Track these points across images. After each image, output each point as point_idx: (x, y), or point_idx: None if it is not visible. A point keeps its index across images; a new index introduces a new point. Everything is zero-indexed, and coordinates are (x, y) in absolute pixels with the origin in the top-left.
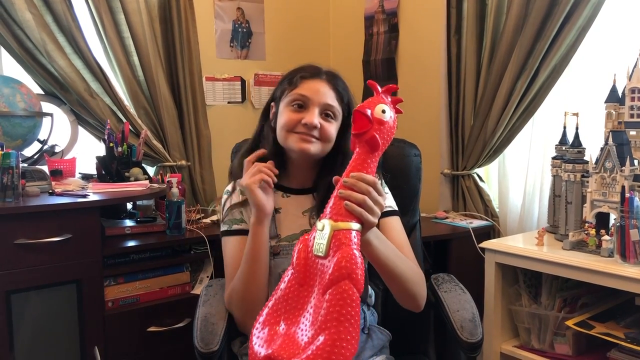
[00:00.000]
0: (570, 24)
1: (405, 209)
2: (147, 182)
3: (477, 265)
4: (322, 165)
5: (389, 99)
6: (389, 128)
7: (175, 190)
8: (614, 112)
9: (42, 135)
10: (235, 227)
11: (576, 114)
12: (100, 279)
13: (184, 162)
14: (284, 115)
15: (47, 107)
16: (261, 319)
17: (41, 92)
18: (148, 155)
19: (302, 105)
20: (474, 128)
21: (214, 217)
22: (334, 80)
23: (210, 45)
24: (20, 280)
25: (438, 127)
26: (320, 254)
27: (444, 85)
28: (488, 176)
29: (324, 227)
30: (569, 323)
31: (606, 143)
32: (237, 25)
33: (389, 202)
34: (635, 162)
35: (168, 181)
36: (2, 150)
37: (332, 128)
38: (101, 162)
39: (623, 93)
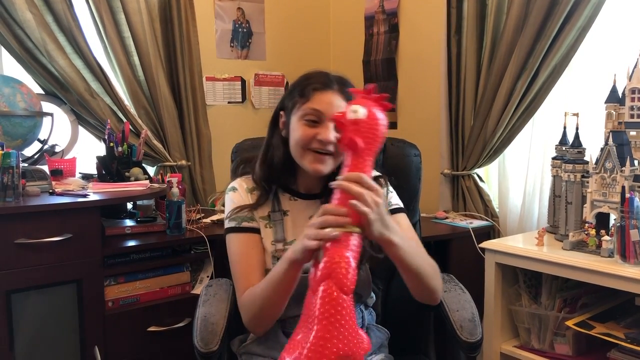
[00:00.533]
0: (570, 24)
1: (405, 209)
2: (147, 182)
3: (477, 266)
4: (330, 171)
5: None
6: (368, 124)
7: (175, 190)
8: (614, 113)
9: (42, 135)
10: (245, 224)
11: (576, 114)
12: (100, 278)
13: (184, 162)
14: (298, 131)
15: (47, 106)
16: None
17: (41, 91)
18: (148, 155)
19: (315, 120)
20: (474, 128)
21: (214, 217)
22: (344, 89)
23: (211, 45)
24: (20, 280)
25: (438, 127)
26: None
27: (444, 85)
28: (488, 176)
29: None
30: (569, 323)
31: (606, 143)
32: (237, 25)
33: (395, 200)
34: (636, 162)
35: (168, 181)
36: (3, 149)
37: None
38: (101, 162)
39: (623, 93)
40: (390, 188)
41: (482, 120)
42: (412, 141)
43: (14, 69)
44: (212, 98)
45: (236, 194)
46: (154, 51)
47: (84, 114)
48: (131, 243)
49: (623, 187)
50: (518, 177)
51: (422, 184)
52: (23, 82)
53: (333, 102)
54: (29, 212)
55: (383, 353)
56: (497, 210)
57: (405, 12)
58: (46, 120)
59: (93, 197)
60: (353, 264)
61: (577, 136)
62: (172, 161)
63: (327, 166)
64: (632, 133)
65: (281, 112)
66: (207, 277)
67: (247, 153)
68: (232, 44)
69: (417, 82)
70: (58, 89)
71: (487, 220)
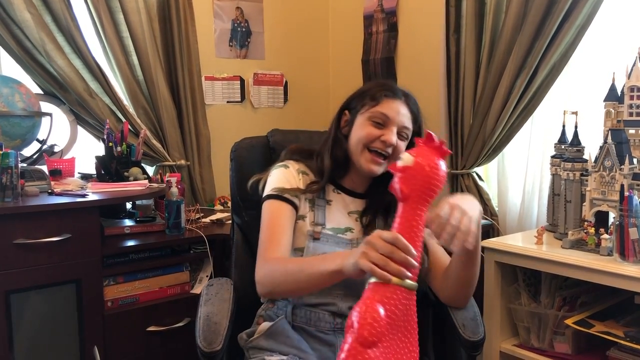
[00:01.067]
0: (569, 22)
1: None
2: (146, 181)
3: None
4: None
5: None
6: (415, 172)
7: (174, 189)
8: (613, 111)
9: (41, 135)
10: (287, 195)
11: (575, 113)
12: (99, 278)
13: (183, 162)
14: (364, 129)
15: (46, 106)
16: None
17: (40, 91)
18: (147, 154)
19: (381, 123)
20: (473, 127)
21: (214, 217)
22: (409, 101)
23: (210, 44)
24: (19, 280)
25: (437, 126)
26: None
27: (443, 84)
28: (487, 175)
29: None
30: (569, 322)
31: (605, 141)
32: (236, 25)
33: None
34: (635, 160)
35: (167, 181)
36: (1, 150)
37: (404, 147)
38: (100, 161)
39: (622, 91)
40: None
41: (481, 119)
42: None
43: (12, 69)
44: (211, 97)
45: (288, 170)
46: (152, 51)
47: (82, 114)
48: (130, 243)
49: (622, 186)
50: (517, 175)
51: None
52: (22, 82)
53: (400, 111)
54: (28, 212)
55: None
56: (496, 209)
57: (404, 11)
58: (45, 120)
59: (92, 197)
60: (382, 313)
61: (576, 134)
62: (171, 161)
63: (380, 168)
64: (631, 131)
65: (345, 111)
66: (207, 276)
67: (298, 145)
68: (231, 44)
69: (416, 81)
70: (57, 88)
71: (486, 219)
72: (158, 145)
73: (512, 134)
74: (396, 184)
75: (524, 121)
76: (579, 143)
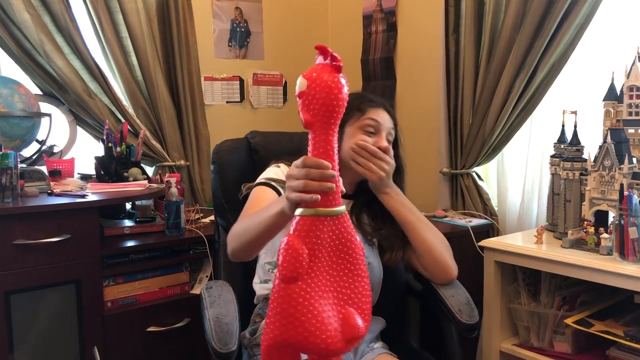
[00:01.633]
0: (568, 21)
1: None
2: (145, 182)
3: (476, 264)
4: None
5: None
6: (311, 95)
7: (174, 190)
8: (612, 110)
9: (40, 136)
10: (274, 184)
11: (574, 112)
12: (99, 279)
13: (182, 162)
14: (357, 138)
15: (45, 107)
16: None
17: (39, 92)
18: (147, 155)
19: (372, 131)
20: (472, 126)
21: (213, 217)
22: (388, 108)
23: (209, 44)
24: (19, 280)
25: (437, 126)
26: None
27: (442, 84)
28: (487, 175)
29: None
30: (568, 321)
31: (604, 141)
32: (235, 25)
33: None
34: (634, 159)
35: (167, 181)
36: (1, 150)
37: (392, 150)
38: (100, 162)
39: (621, 91)
40: None
41: (480, 119)
42: (410, 140)
43: (11, 69)
44: (210, 98)
45: (279, 169)
46: (151, 51)
47: (82, 115)
48: (130, 243)
49: (621, 185)
50: (517, 175)
51: (421, 182)
52: (21, 83)
53: (385, 117)
54: (27, 212)
55: (381, 342)
56: (496, 208)
57: (404, 10)
58: (44, 121)
59: (91, 197)
60: (302, 246)
61: (575, 134)
62: (171, 161)
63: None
64: (631, 130)
65: None
66: (206, 277)
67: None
68: (230, 44)
69: (416, 81)
70: (56, 89)
71: (486, 218)
72: (157, 145)
73: (512, 134)
74: (299, 113)
75: (524, 121)
76: (578, 142)
